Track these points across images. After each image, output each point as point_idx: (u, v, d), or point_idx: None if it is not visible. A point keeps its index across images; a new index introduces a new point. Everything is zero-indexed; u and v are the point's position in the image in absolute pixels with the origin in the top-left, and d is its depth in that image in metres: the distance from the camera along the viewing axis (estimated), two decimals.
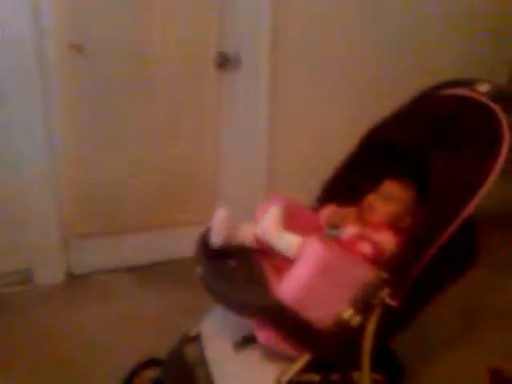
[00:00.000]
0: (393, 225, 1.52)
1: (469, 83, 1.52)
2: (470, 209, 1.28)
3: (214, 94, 2.49)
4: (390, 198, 1.54)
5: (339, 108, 2.68)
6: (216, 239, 1.45)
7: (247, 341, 1.43)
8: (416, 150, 1.46)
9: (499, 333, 2.14)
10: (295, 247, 1.36)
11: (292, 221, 1.54)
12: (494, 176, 1.27)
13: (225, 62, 2.48)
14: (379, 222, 1.52)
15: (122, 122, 2.35)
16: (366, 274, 1.32)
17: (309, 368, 1.33)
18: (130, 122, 2.36)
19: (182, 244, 2.63)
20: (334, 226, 1.57)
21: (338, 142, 2.63)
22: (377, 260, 1.39)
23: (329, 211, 1.63)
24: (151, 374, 1.70)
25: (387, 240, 1.45)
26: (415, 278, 1.31)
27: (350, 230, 1.47)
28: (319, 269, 1.26)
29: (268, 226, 1.40)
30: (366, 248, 1.39)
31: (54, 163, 2.29)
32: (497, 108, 1.36)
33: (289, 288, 1.27)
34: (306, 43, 2.52)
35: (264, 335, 1.29)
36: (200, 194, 2.63)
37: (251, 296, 1.29)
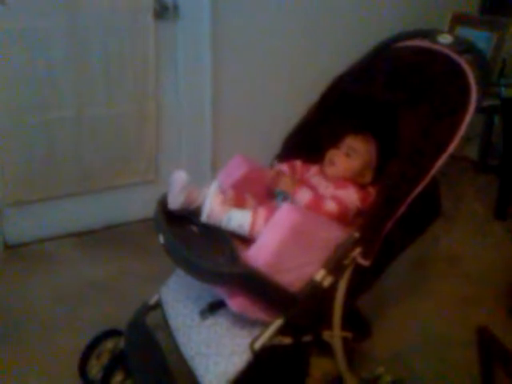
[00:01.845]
0: (354, 180, 1.50)
1: (429, 35, 1.48)
2: (441, 164, 1.27)
3: (153, 46, 2.32)
4: (351, 153, 1.51)
5: (284, 58, 2.60)
6: (174, 204, 1.36)
7: (214, 307, 1.39)
8: (379, 103, 1.43)
9: (448, 280, 2.24)
10: (249, 224, 1.32)
11: (253, 185, 1.49)
12: (462, 130, 1.26)
13: (163, 11, 2.32)
14: (341, 176, 1.50)
15: (57, 78, 2.16)
16: (337, 234, 1.30)
17: (281, 331, 1.31)
18: (64, 78, 2.17)
19: (124, 207, 2.55)
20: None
21: (283, 95, 2.61)
22: (343, 217, 1.38)
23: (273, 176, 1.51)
24: (110, 345, 1.64)
25: (351, 196, 1.43)
26: (386, 236, 1.30)
27: (304, 195, 1.40)
28: (291, 232, 1.22)
29: (212, 209, 1.32)
30: (330, 206, 1.36)
31: None
32: (462, 61, 1.34)
33: (260, 252, 1.23)
34: None
35: (236, 302, 1.24)
36: (142, 154, 2.50)
37: (221, 263, 1.23)
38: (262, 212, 1.34)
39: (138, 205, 2.44)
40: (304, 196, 1.39)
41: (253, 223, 1.32)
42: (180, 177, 1.35)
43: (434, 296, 2.12)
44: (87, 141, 2.32)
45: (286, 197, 1.44)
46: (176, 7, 2.33)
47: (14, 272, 2.18)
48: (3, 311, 1.95)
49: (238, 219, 1.33)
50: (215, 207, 1.32)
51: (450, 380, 1.73)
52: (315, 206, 1.37)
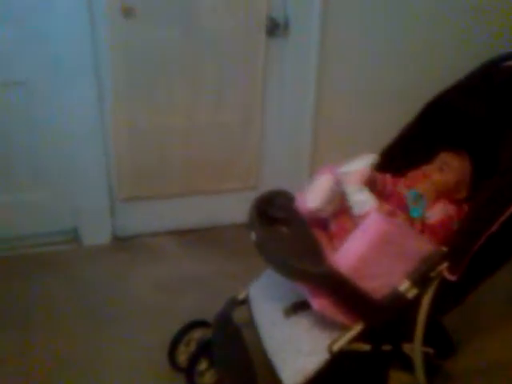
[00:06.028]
0: (448, 195, 1.50)
1: None
2: None
3: (263, 60, 2.44)
4: (445, 168, 1.52)
5: (392, 78, 2.61)
6: (311, 202, 1.41)
7: (297, 307, 1.44)
8: (480, 121, 1.42)
9: None
10: (370, 206, 1.33)
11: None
12: None
13: (274, 28, 2.43)
14: (433, 190, 1.49)
15: (172, 86, 2.33)
16: (424, 246, 1.30)
17: (360, 337, 1.33)
18: (179, 87, 2.34)
19: (225, 210, 2.67)
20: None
21: (386, 112, 2.61)
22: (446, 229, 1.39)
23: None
24: (198, 334, 1.74)
25: (446, 207, 1.45)
26: (476, 253, 1.28)
27: (438, 212, 1.43)
28: (378, 241, 1.25)
29: (354, 175, 1.36)
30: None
31: (103, 126, 2.31)
32: None
33: (345, 256, 1.27)
34: (359, 8, 2.45)
35: (318, 302, 1.28)
36: (244, 161, 2.62)
37: (308, 262, 1.28)
38: (386, 207, 1.39)
39: (237, 209, 2.52)
40: (436, 214, 1.43)
41: (376, 208, 1.34)
42: (326, 185, 1.41)
43: None
44: (195, 146, 2.47)
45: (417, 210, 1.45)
46: (287, 24, 2.42)
47: (120, 261, 2.37)
48: (107, 294, 2.14)
49: (366, 197, 1.35)
50: (357, 177, 1.36)
51: None
52: (441, 227, 1.40)
